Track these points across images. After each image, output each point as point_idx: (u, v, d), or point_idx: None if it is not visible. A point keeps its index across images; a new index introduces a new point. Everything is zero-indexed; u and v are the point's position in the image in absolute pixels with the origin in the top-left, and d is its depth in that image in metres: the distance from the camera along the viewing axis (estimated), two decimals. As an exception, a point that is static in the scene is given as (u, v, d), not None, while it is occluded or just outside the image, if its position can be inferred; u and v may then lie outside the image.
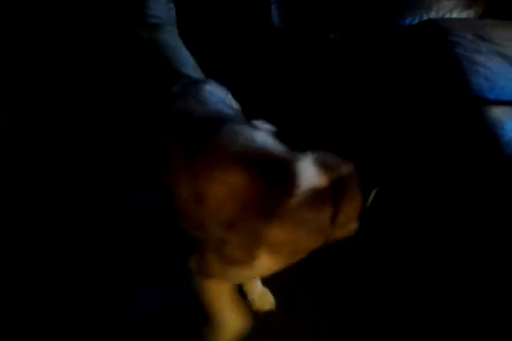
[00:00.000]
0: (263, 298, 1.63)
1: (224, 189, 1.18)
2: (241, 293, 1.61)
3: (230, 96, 1.60)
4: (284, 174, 1.16)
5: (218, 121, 1.35)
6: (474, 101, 1.67)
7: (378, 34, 2.24)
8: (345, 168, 1.18)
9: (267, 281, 1.64)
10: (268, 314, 1.64)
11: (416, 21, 2.21)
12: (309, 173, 1.16)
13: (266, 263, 1.21)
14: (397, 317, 1.68)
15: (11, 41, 2.24)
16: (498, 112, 1.62)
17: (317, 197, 1.14)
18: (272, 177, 1.15)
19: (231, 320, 1.39)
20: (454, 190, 1.64)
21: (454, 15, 2.26)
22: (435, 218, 1.76)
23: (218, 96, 1.52)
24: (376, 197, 1.23)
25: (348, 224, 1.21)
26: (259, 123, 1.40)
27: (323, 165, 1.17)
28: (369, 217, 1.24)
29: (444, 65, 1.82)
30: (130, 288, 1.78)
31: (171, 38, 2.17)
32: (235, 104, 1.57)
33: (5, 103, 2.29)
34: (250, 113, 1.59)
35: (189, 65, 2.03)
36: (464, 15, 2.27)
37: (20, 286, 1.79)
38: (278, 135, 1.32)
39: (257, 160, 1.19)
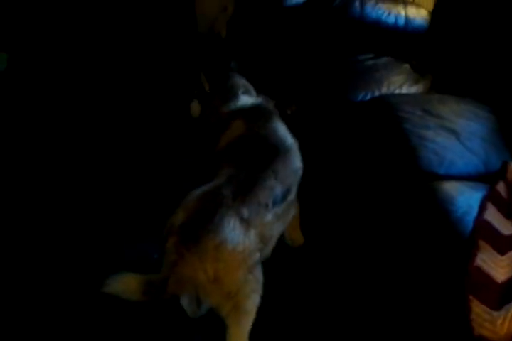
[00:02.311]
0: None
1: None
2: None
3: None
4: None
5: None
6: (425, 177, 1.69)
7: (332, 109, 2.30)
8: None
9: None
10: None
11: (368, 97, 2.29)
12: None
13: None
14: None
15: None
16: (448, 187, 1.63)
17: None
18: None
19: None
20: (408, 266, 1.62)
21: (404, 90, 2.34)
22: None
23: None
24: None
25: None
26: None
27: None
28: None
29: (394, 140, 1.86)
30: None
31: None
32: None
33: None
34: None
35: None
36: (413, 89, 2.35)
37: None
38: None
39: None
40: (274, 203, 1.57)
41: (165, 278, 1.42)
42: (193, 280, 1.40)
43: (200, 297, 1.52)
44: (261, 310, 1.53)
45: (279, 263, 1.81)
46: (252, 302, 1.48)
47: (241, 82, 2.06)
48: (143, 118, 2.90)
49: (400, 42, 2.66)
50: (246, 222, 1.47)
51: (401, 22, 2.68)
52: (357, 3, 2.72)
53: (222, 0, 3.39)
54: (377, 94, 2.30)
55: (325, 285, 1.91)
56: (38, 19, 3.50)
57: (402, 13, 2.70)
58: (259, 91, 2.13)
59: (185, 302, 1.66)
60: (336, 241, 2.05)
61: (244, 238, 1.45)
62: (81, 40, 3.46)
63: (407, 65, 2.52)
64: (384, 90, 2.33)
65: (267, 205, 1.55)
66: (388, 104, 2.01)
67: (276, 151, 1.69)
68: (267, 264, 1.61)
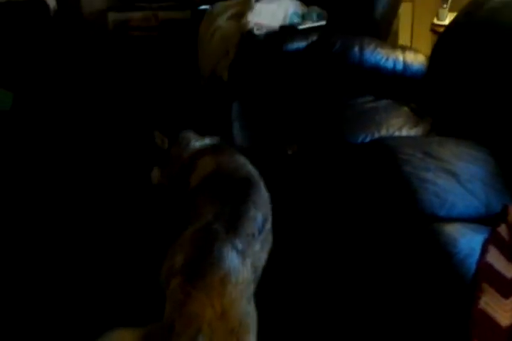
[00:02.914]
0: None
1: None
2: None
3: None
4: None
5: None
6: (426, 219, 1.69)
7: (331, 151, 2.32)
8: None
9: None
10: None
11: (368, 139, 2.31)
12: None
13: None
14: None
15: None
16: (450, 230, 1.62)
17: None
18: None
19: None
20: (410, 310, 1.60)
21: (404, 132, 2.37)
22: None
23: None
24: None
25: None
26: None
27: None
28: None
29: (394, 182, 1.87)
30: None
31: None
32: None
33: None
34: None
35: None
36: (412, 132, 2.38)
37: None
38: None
39: None
40: (259, 232, 1.62)
41: (170, 323, 1.37)
42: (201, 319, 1.36)
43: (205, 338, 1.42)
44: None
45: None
46: (253, 335, 1.45)
47: (191, 132, 2.19)
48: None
49: (398, 86, 2.72)
50: (241, 253, 1.50)
51: (399, 67, 2.74)
52: (356, 49, 2.80)
53: (224, 44, 3.47)
54: (376, 136, 2.33)
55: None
56: (43, 60, 3.59)
57: (401, 58, 2.77)
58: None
59: None
60: (336, 286, 2.03)
61: (243, 269, 1.48)
62: (84, 81, 3.54)
63: (406, 108, 2.57)
64: (383, 132, 2.36)
65: (253, 235, 1.59)
66: (388, 146, 2.03)
67: (249, 183, 1.78)
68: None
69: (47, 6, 3.59)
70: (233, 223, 1.57)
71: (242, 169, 1.88)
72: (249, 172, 1.87)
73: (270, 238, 1.74)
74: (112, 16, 3.94)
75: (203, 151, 2.00)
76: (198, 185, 1.83)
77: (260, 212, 1.68)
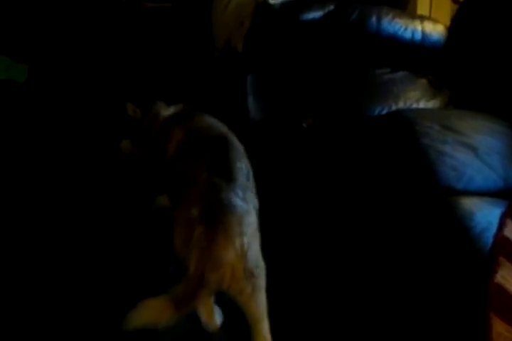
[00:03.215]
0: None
1: None
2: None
3: None
4: None
5: None
6: (443, 192, 1.68)
7: (348, 124, 2.30)
8: None
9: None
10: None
11: (385, 111, 2.29)
12: None
13: None
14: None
15: None
16: (467, 203, 1.61)
17: None
18: None
19: None
20: (426, 283, 1.60)
21: (421, 105, 2.34)
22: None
23: None
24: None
25: None
26: None
27: None
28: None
29: (412, 155, 1.85)
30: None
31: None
32: None
33: None
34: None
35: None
36: (430, 105, 2.35)
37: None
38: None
39: None
40: (248, 180, 1.76)
41: (200, 272, 1.46)
42: (225, 261, 1.49)
43: (225, 286, 1.52)
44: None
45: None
46: (265, 278, 1.58)
47: (162, 103, 2.23)
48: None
49: (416, 57, 2.66)
50: (243, 199, 1.63)
51: (418, 37, 2.68)
52: (373, 19, 2.74)
53: (238, 15, 3.41)
54: (393, 108, 2.31)
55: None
56: (56, 32, 3.57)
57: (419, 28, 2.71)
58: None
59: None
60: (350, 259, 2.05)
61: (251, 211, 1.63)
62: (97, 53, 3.52)
63: (424, 80, 2.53)
64: (401, 105, 2.33)
65: (246, 182, 1.73)
66: (406, 118, 2.00)
67: (224, 140, 1.89)
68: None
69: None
70: (228, 175, 1.70)
71: (213, 129, 1.98)
72: (220, 130, 1.97)
73: (254, 185, 1.84)
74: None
75: (171, 120, 2.08)
76: (176, 152, 1.92)
77: (243, 163, 1.79)
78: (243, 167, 1.77)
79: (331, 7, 2.95)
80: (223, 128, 2.00)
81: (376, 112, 2.29)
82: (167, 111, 2.14)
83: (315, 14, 2.95)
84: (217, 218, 1.54)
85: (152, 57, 3.55)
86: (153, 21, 3.62)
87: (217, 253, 1.48)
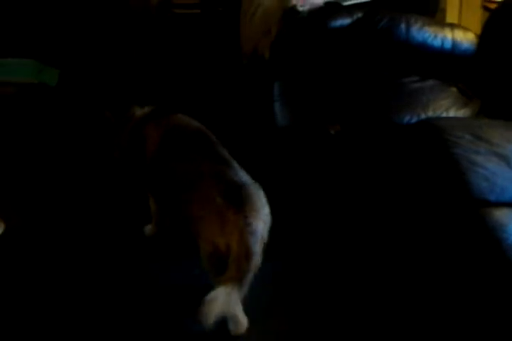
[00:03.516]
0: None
1: None
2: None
3: None
4: None
5: None
6: (474, 203, 1.65)
7: (377, 132, 2.29)
8: None
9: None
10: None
11: (414, 120, 2.27)
12: None
13: None
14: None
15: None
16: (499, 215, 1.59)
17: None
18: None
19: None
20: (459, 296, 1.58)
21: (451, 114, 2.31)
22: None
23: None
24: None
25: None
26: None
27: None
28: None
29: (443, 164, 1.83)
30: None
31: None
32: None
33: (12, 201, 2.38)
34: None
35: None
36: (460, 114, 2.32)
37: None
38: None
39: None
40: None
41: (244, 249, 1.63)
42: (260, 232, 1.69)
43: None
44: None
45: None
46: None
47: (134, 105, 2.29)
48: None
49: (446, 65, 2.64)
50: (248, 177, 1.84)
51: (448, 45, 2.66)
52: (402, 26, 2.72)
53: (266, 22, 3.42)
54: (423, 117, 2.29)
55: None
56: (88, 38, 3.63)
57: (449, 36, 2.68)
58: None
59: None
60: (383, 270, 2.04)
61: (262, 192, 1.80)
62: (127, 59, 3.56)
63: (454, 89, 2.50)
64: (430, 113, 2.31)
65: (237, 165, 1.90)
66: (437, 127, 1.98)
67: (204, 132, 2.04)
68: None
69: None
70: (224, 161, 1.88)
71: (191, 124, 2.10)
72: (197, 125, 2.10)
73: None
74: (155, -7, 3.92)
75: (144, 119, 2.14)
76: (158, 151, 2.01)
77: (225, 150, 1.97)
78: (227, 153, 1.95)
79: (359, 14, 2.95)
80: (196, 123, 2.11)
81: (405, 120, 2.27)
82: (139, 112, 2.20)
83: (343, 21, 2.95)
84: (241, 198, 1.71)
85: (181, 63, 3.58)
86: (182, 27, 3.66)
87: (254, 227, 1.67)
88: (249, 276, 1.65)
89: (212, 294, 1.54)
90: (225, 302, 1.54)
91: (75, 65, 3.51)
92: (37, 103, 3.17)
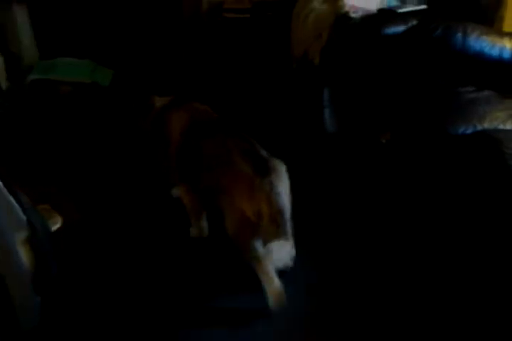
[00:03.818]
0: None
1: None
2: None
3: None
4: None
5: None
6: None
7: (430, 141, 2.25)
8: None
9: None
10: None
11: (469, 131, 2.22)
12: None
13: None
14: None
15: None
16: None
17: None
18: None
19: None
20: None
21: (508, 126, 2.26)
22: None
23: None
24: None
25: None
26: None
27: None
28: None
29: (499, 177, 1.79)
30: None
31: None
32: None
33: (71, 196, 2.44)
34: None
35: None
36: (517, 126, 2.26)
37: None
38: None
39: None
40: None
41: (275, 211, 1.82)
42: (283, 194, 1.87)
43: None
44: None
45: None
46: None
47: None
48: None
49: (504, 75, 2.58)
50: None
51: (506, 55, 2.60)
52: (459, 35, 2.67)
53: (317, 27, 3.41)
54: (478, 128, 2.24)
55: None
56: (141, 40, 3.70)
57: (508, 45, 2.62)
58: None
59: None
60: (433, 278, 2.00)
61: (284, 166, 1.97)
62: (177, 61, 3.61)
63: (511, 100, 2.44)
64: (486, 125, 2.26)
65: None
66: (494, 139, 1.94)
67: (221, 118, 2.25)
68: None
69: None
70: (248, 139, 2.04)
71: (208, 110, 2.31)
72: (213, 113, 2.29)
73: None
74: (206, -3, 3.96)
75: (165, 108, 2.34)
76: (188, 132, 2.18)
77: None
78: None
79: (414, 22, 2.90)
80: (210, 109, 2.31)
81: (460, 131, 2.23)
82: (160, 102, 2.40)
83: (397, 29, 2.91)
84: (267, 169, 1.89)
85: (231, 67, 3.61)
86: (232, 31, 3.68)
87: (279, 189, 1.85)
88: (289, 229, 1.84)
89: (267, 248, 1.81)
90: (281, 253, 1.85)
91: (129, 66, 3.58)
92: (89, 102, 3.25)
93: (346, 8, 3.18)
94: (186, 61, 3.68)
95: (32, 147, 2.95)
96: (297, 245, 2.00)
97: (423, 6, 3.15)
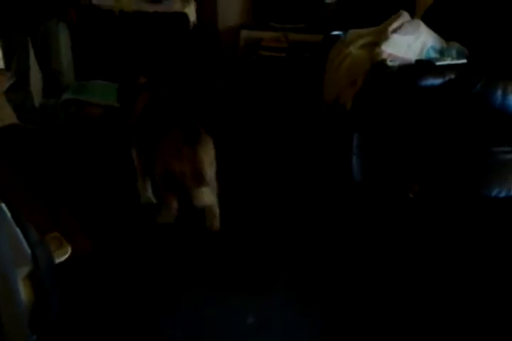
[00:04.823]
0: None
1: None
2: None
3: None
4: None
5: None
6: None
7: (460, 201, 2.15)
8: None
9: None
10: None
11: (503, 193, 2.13)
12: None
13: None
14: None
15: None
16: None
17: None
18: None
19: None
20: None
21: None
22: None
23: None
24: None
25: None
26: None
27: None
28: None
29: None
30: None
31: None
32: None
33: (82, 225, 2.40)
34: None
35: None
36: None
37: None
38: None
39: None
40: None
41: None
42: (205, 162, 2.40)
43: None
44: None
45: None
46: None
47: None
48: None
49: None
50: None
51: (546, 116, 2.51)
52: (499, 92, 2.59)
53: (352, 72, 3.39)
54: (513, 191, 2.14)
55: None
56: (176, 68, 3.71)
57: (549, 106, 2.53)
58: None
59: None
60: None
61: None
62: (210, 92, 3.62)
63: (549, 164, 2.34)
64: (520, 188, 2.16)
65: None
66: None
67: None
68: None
69: (188, 19, 3.78)
70: (192, 120, 2.55)
71: (170, 95, 2.76)
72: (174, 97, 2.75)
73: None
74: (244, 34, 4.00)
75: (140, 87, 2.84)
76: (146, 108, 2.68)
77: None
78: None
79: (452, 76, 2.85)
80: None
81: (493, 193, 2.14)
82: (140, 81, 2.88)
83: (434, 81, 2.85)
84: (196, 141, 2.40)
85: (261, 104, 3.61)
86: (267, 69, 3.70)
87: (201, 158, 2.36)
88: (206, 184, 2.35)
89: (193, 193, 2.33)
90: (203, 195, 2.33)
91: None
92: (118, 125, 3.28)
93: (384, 56, 3.15)
94: (219, 95, 3.70)
95: (56, 167, 2.95)
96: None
97: (463, 60, 3.10)
